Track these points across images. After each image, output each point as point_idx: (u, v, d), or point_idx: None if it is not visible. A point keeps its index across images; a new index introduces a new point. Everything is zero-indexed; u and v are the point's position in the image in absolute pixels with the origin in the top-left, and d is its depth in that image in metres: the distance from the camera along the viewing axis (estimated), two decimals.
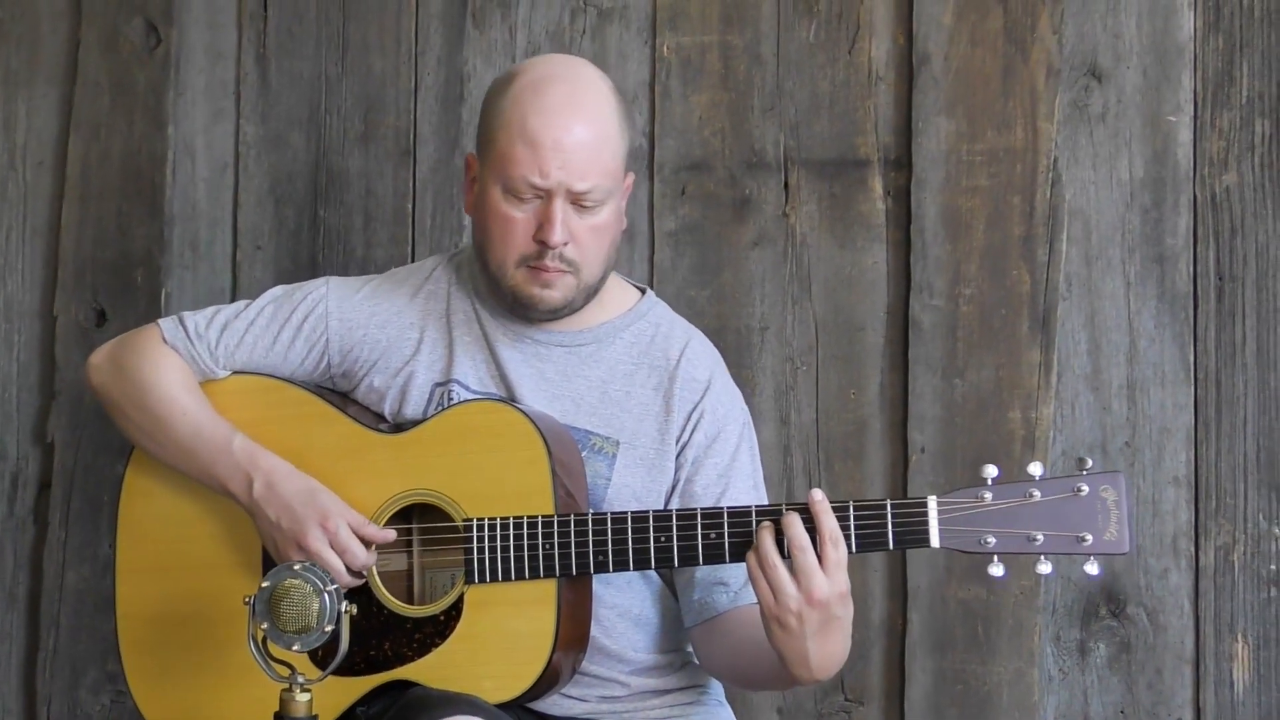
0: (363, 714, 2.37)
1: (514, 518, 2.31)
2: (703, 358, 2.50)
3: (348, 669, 2.28)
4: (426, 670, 2.34)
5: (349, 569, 2.35)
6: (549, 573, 2.30)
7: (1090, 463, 2.16)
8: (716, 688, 2.54)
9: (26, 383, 3.26)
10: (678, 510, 2.28)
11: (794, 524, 2.18)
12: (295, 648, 2.13)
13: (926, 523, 2.19)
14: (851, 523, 2.20)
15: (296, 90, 3.18)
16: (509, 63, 3.08)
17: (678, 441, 2.44)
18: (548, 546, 2.30)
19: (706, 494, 2.41)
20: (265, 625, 2.13)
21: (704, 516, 2.26)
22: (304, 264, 3.16)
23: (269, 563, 2.41)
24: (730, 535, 2.24)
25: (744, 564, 2.22)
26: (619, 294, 2.52)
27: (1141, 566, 2.89)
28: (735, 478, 2.44)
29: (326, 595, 2.12)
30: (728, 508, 2.26)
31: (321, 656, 2.28)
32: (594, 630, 2.39)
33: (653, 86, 3.06)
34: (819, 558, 2.16)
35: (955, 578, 2.93)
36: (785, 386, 3.01)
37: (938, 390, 2.95)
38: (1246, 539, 2.86)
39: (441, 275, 2.54)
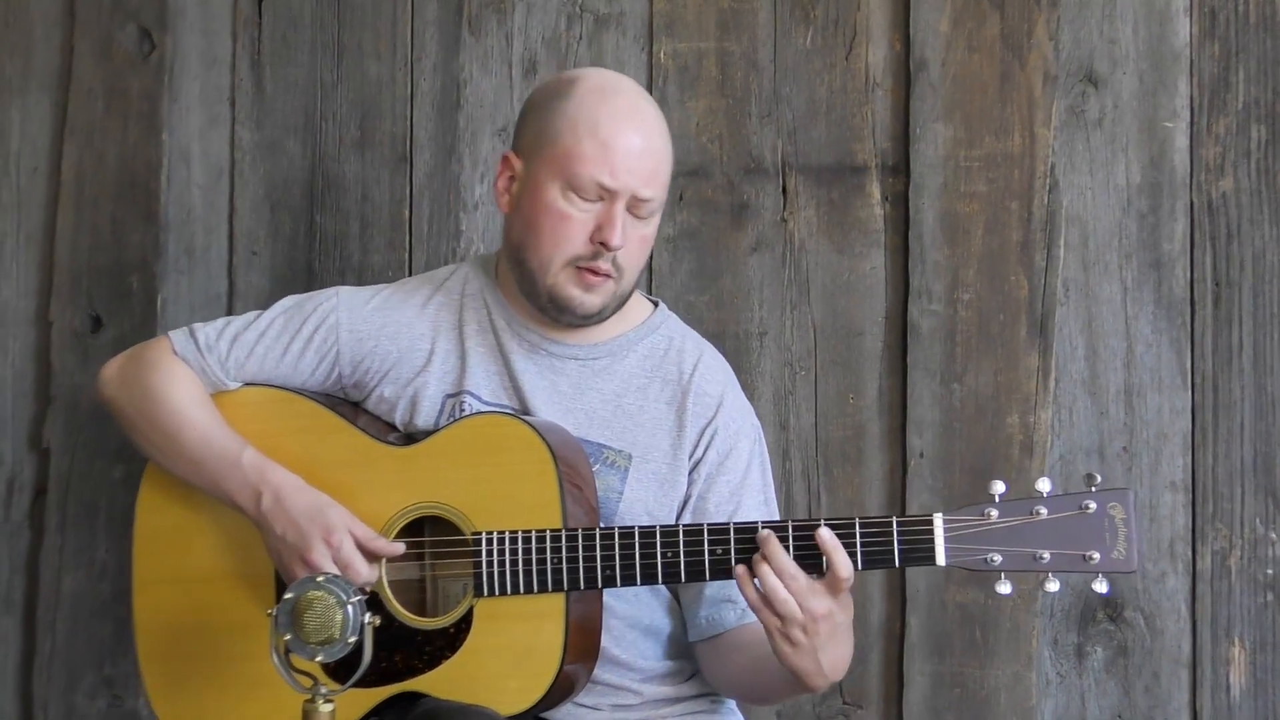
0: None
1: (522, 531, 2.32)
2: (715, 373, 2.51)
3: (360, 680, 2.28)
4: (437, 682, 2.34)
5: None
6: (556, 587, 2.31)
7: (1099, 479, 2.15)
8: None
9: (22, 389, 3.25)
10: (685, 526, 2.29)
11: (778, 555, 2.19)
12: (318, 659, 2.13)
13: (933, 541, 2.19)
14: (857, 540, 2.21)
15: (292, 96, 3.17)
16: (506, 69, 3.08)
17: (690, 458, 2.45)
18: (555, 560, 2.30)
19: (719, 512, 2.42)
20: (288, 636, 2.13)
21: (710, 532, 2.26)
22: (300, 270, 3.16)
23: (282, 575, 2.41)
24: (737, 552, 2.24)
25: None
26: (633, 307, 2.53)
27: (1139, 571, 2.90)
28: (746, 495, 2.45)
29: (350, 607, 2.12)
30: (734, 524, 2.26)
31: (335, 668, 2.29)
32: (605, 640, 2.39)
33: (650, 92, 3.05)
34: (832, 589, 2.18)
35: (954, 582, 2.94)
36: (784, 391, 3.02)
37: (936, 395, 2.96)
38: (1243, 544, 2.88)
39: (455, 284, 2.54)
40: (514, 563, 2.32)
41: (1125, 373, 2.93)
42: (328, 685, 2.15)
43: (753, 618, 2.30)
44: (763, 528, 2.22)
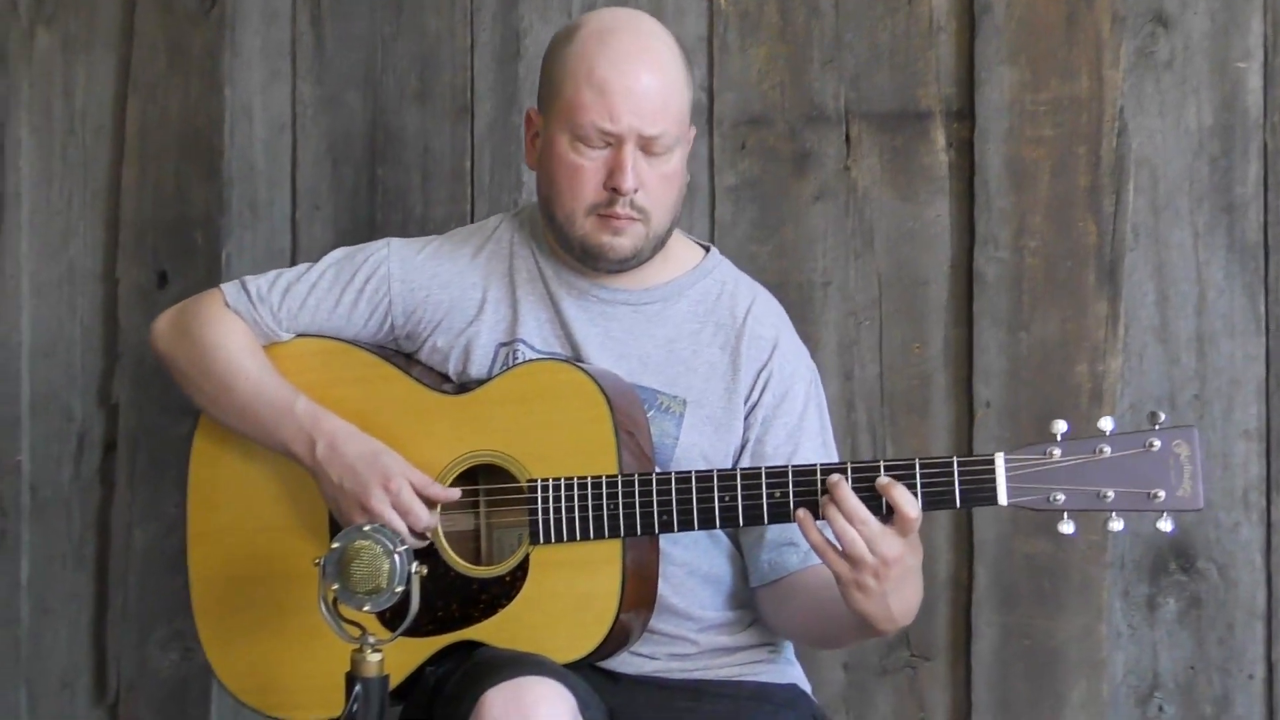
0: (431, 674, 2.36)
1: (578, 478, 2.31)
2: (769, 315, 2.49)
3: (416, 629, 2.28)
4: (494, 631, 2.33)
5: (412, 530, 2.35)
6: (613, 533, 2.29)
7: (1163, 417, 2.11)
8: (787, 645, 2.52)
9: (90, 345, 3.28)
10: (742, 469, 2.27)
11: (848, 499, 2.17)
12: (366, 608, 2.13)
13: (994, 480, 2.16)
14: (918, 481, 2.18)
15: (352, 50, 3.17)
16: (565, 18, 3.06)
17: (746, 401, 2.43)
18: (612, 506, 2.29)
19: (777, 454, 2.40)
20: (336, 586, 2.14)
21: (769, 475, 2.24)
22: (363, 223, 3.16)
23: (336, 525, 2.41)
24: (796, 494, 2.22)
25: None
26: (683, 252, 2.51)
27: (1212, 521, 2.85)
28: (804, 437, 2.42)
29: (396, 556, 2.13)
30: (792, 466, 2.24)
31: (390, 617, 2.29)
32: (662, 588, 2.38)
33: (710, 40, 3.03)
34: (901, 530, 2.16)
35: (1022, 532, 2.90)
36: (848, 341, 2.99)
37: (1003, 344, 2.92)
38: None
39: (504, 234, 2.54)
40: (569, 510, 2.30)
41: (1197, 319, 2.88)
42: (377, 634, 2.15)
43: (815, 560, 2.28)
44: (821, 470, 2.21)
